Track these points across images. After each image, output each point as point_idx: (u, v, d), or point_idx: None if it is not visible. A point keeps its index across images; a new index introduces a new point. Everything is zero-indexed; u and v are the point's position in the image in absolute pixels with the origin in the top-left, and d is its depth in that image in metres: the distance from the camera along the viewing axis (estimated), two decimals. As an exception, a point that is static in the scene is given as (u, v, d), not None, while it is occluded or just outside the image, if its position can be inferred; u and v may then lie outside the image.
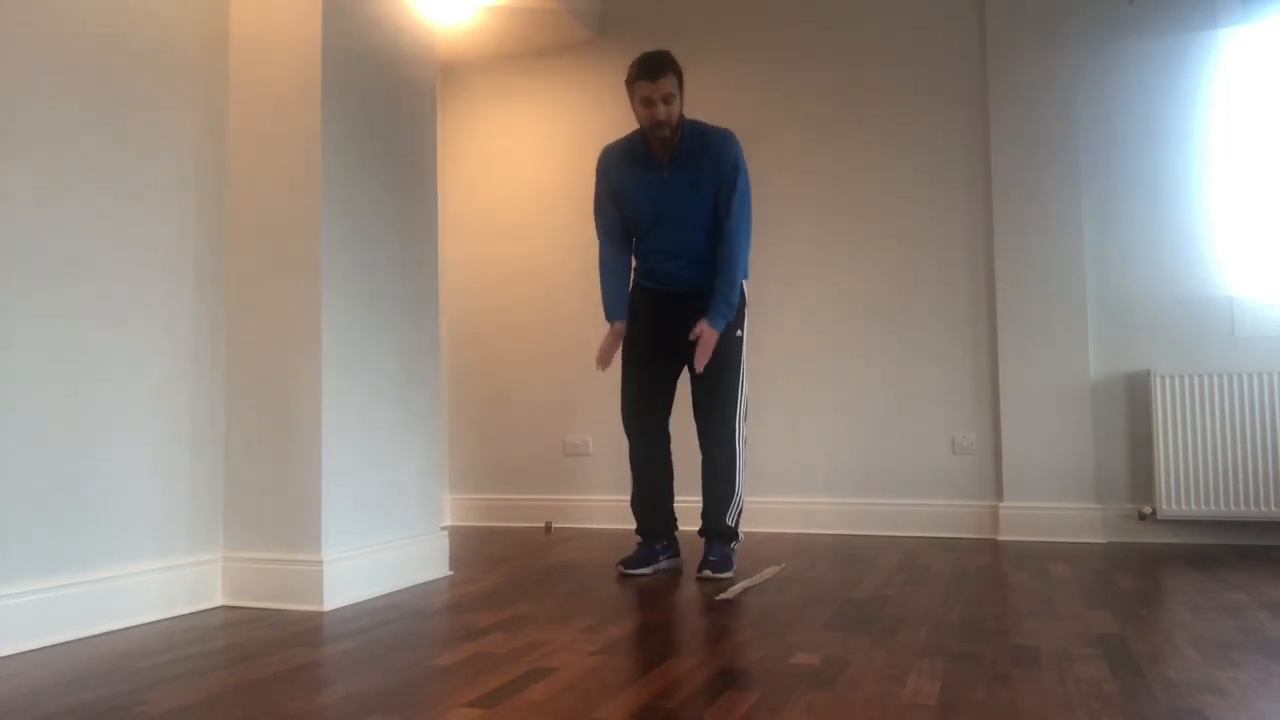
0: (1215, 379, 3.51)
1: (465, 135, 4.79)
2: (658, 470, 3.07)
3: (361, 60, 2.81)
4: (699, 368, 2.86)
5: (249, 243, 2.69)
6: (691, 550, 3.45)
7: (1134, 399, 3.69)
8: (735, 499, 2.98)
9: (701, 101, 4.31)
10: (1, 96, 2.12)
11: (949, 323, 3.92)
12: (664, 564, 3.06)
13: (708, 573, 2.88)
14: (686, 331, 2.96)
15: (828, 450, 4.05)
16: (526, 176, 4.64)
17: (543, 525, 4.41)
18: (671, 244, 2.98)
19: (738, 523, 3.00)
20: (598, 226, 3.12)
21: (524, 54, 4.69)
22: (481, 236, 4.71)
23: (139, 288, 2.44)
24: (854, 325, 4.05)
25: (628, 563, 3.01)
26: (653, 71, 2.80)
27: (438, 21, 4.21)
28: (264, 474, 2.62)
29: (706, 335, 2.87)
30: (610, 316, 3.08)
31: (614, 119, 4.46)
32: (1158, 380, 3.56)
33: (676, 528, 3.12)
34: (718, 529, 2.98)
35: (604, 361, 3.06)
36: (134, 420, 2.41)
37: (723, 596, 2.60)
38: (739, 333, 2.99)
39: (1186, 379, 3.54)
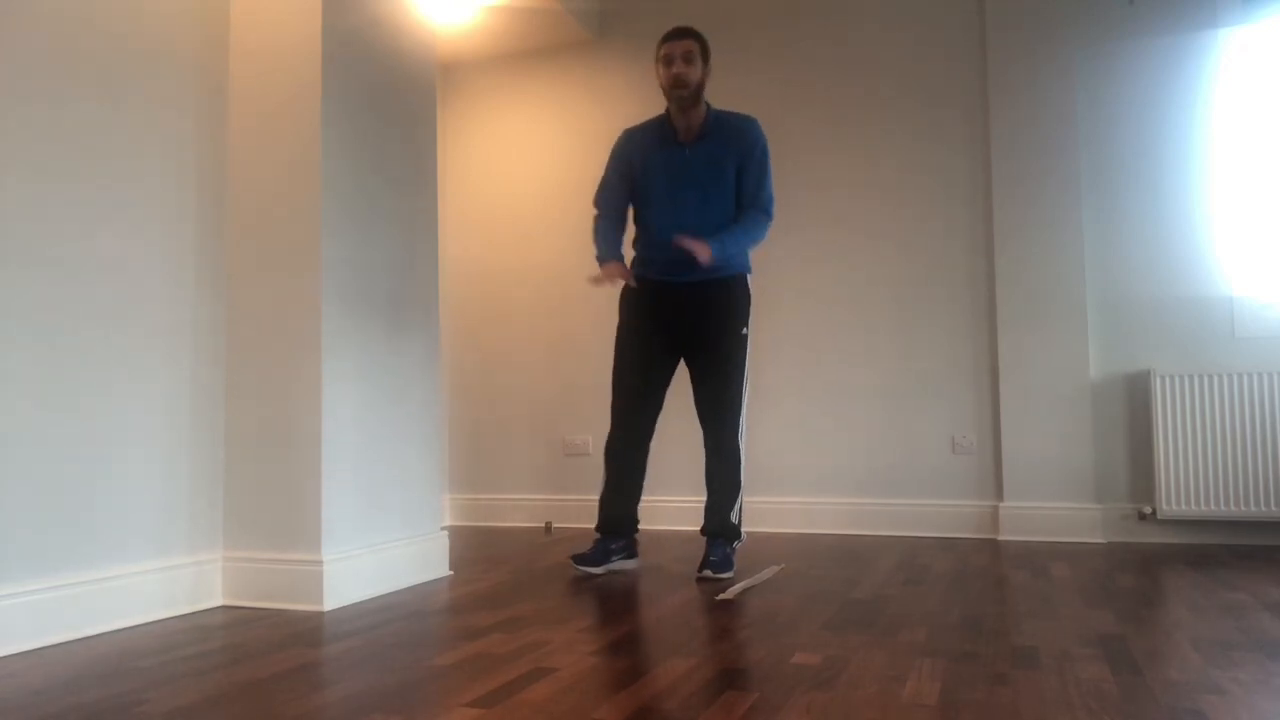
0: (1215, 379, 3.51)
1: (465, 135, 4.80)
2: (632, 472, 3.04)
3: (361, 60, 2.81)
4: (681, 242, 2.79)
5: (249, 242, 2.69)
6: (693, 550, 3.45)
7: (1134, 399, 3.69)
8: (739, 497, 2.99)
9: (701, 101, 4.31)
10: (1, 95, 2.12)
11: (949, 323, 3.92)
12: (616, 564, 3.04)
13: (708, 573, 2.88)
14: (687, 329, 2.96)
15: (828, 450, 4.05)
16: (526, 176, 4.64)
17: (543, 525, 4.41)
18: (686, 223, 2.93)
19: (740, 521, 3.01)
20: (598, 202, 3.10)
21: (524, 54, 4.69)
22: (481, 236, 4.71)
23: (139, 288, 2.44)
24: (854, 325, 4.05)
25: (581, 558, 2.98)
26: (674, 33, 2.92)
27: (438, 21, 4.21)
28: (264, 474, 2.62)
29: (701, 245, 2.79)
30: (605, 258, 3.01)
31: (614, 119, 4.46)
32: (1158, 380, 3.56)
33: (637, 530, 3.10)
34: (722, 527, 2.97)
35: (598, 279, 2.96)
36: (134, 420, 2.41)
37: (723, 596, 2.59)
38: (744, 330, 2.99)
39: (1186, 379, 3.54)
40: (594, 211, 3.14)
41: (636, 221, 3.09)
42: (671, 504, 4.21)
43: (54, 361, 2.21)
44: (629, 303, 3.07)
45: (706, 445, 2.99)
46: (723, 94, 4.28)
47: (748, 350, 3.01)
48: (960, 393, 3.89)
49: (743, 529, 3.02)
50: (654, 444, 3.04)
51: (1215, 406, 3.50)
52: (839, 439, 4.04)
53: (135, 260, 2.43)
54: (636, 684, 1.74)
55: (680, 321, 2.98)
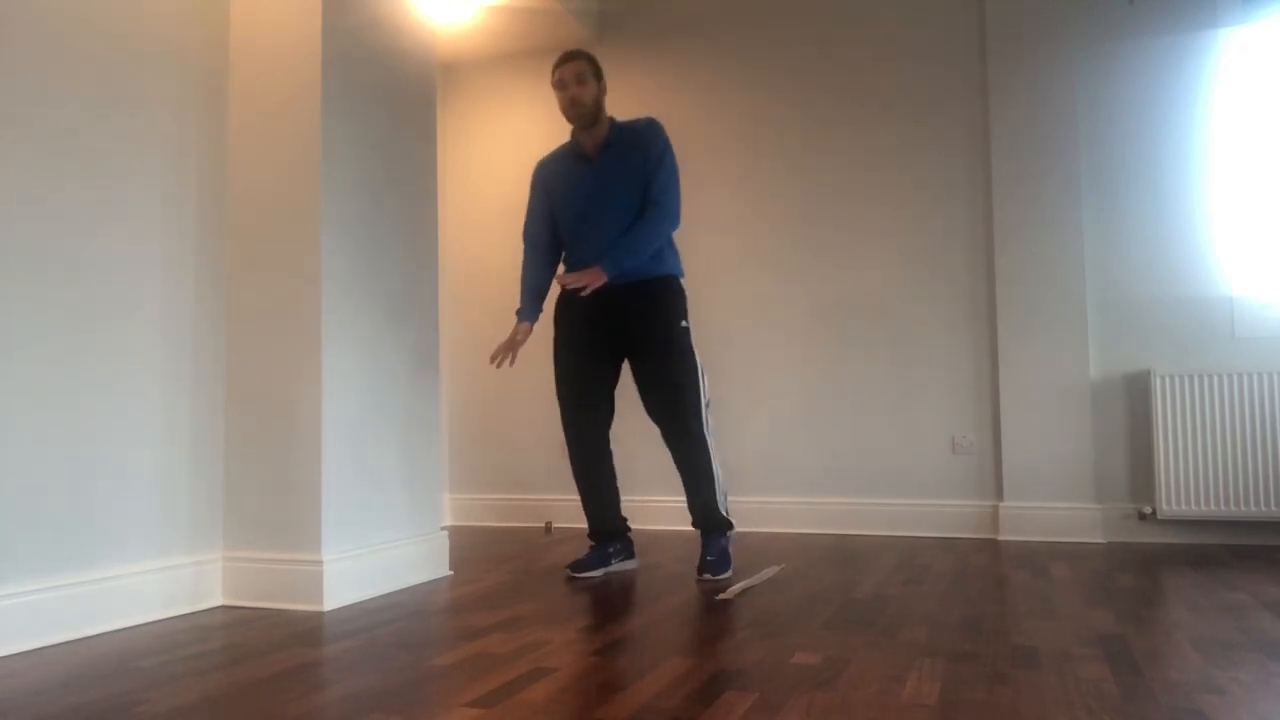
0: (1215, 379, 3.51)
1: (465, 135, 4.79)
2: (604, 478, 3.03)
3: (361, 60, 2.81)
4: (565, 283, 2.80)
5: (249, 242, 2.69)
6: (692, 549, 3.45)
7: (1134, 399, 3.69)
8: (718, 484, 2.93)
9: (698, 102, 4.32)
10: (1, 96, 2.12)
11: (949, 323, 3.92)
12: (616, 566, 3.05)
13: (708, 576, 2.86)
14: (622, 334, 2.94)
15: (828, 450, 4.05)
16: (526, 176, 4.63)
17: (543, 525, 4.41)
18: (605, 237, 2.92)
19: (728, 511, 2.97)
20: (525, 238, 3.12)
21: (524, 54, 4.70)
22: (481, 236, 4.71)
23: (138, 288, 2.44)
24: (855, 325, 4.05)
25: (577, 566, 2.97)
26: (563, 58, 2.97)
27: (438, 21, 4.21)
28: (264, 474, 2.62)
29: (590, 273, 2.81)
30: (523, 316, 3.06)
31: (614, 119, 4.46)
32: (1158, 380, 3.56)
33: (629, 529, 3.11)
34: (710, 520, 2.94)
35: (501, 355, 2.97)
36: (134, 420, 2.41)
37: (722, 596, 2.59)
38: (684, 323, 2.93)
39: (1186, 379, 3.54)
40: (523, 246, 3.15)
41: (564, 243, 3.07)
42: (669, 504, 4.21)
43: (54, 361, 2.21)
44: (563, 315, 3.04)
45: (670, 444, 2.92)
46: (719, 94, 4.29)
47: (692, 343, 2.93)
48: (960, 393, 3.89)
49: (732, 519, 3.00)
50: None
51: (1215, 406, 3.50)
52: (839, 439, 4.04)
53: (135, 260, 2.43)
54: (636, 684, 1.74)
55: (615, 328, 2.95)
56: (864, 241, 4.06)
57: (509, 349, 3.00)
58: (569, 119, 2.98)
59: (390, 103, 2.93)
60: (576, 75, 2.93)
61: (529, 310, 3.08)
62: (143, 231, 2.46)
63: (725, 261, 4.25)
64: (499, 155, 4.71)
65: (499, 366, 2.99)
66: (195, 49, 2.64)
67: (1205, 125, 3.67)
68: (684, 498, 4.19)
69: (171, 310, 2.53)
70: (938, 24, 4.02)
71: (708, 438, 2.92)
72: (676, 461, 2.94)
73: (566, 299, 3.03)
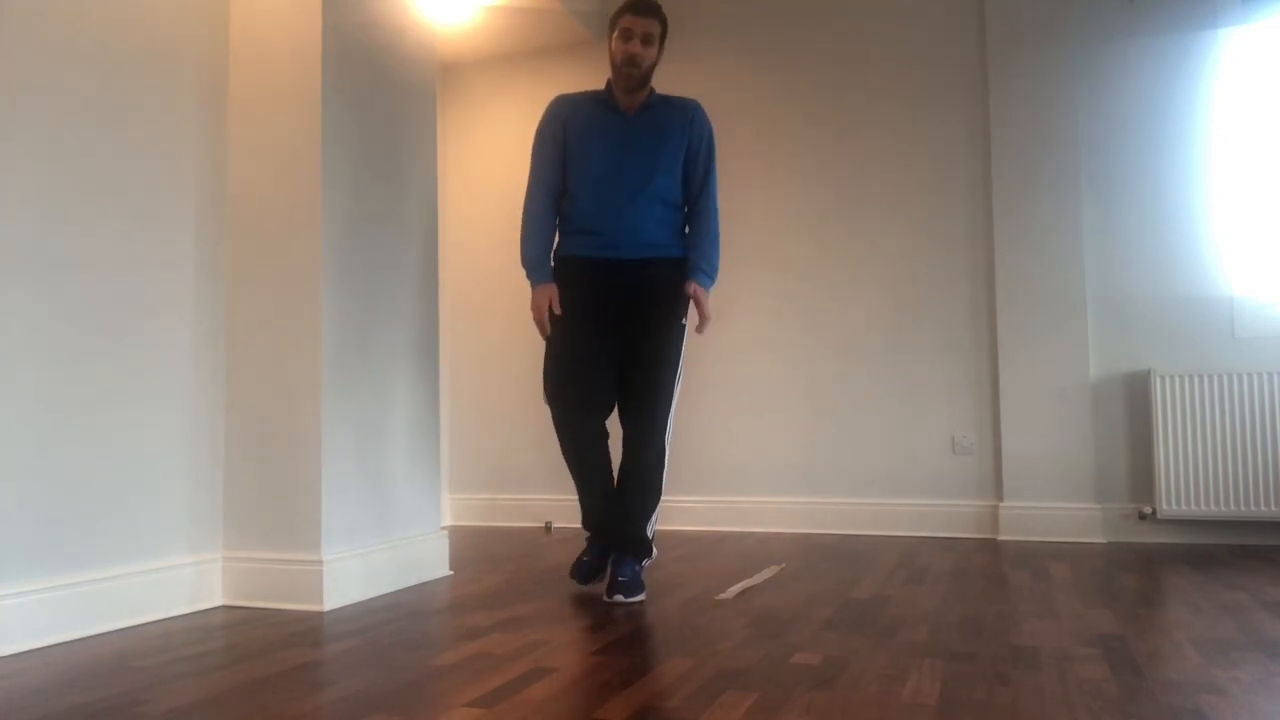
0: (1215, 379, 3.51)
1: (465, 135, 4.80)
2: (602, 470, 2.75)
3: (361, 60, 2.81)
4: (703, 330, 2.67)
5: (249, 243, 2.69)
6: (694, 549, 3.45)
7: (1134, 399, 3.69)
8: (658, 506, 2.69)
9: (700, 99, 4.31)
10: (1, 96, 2.12)
11: (949, 322, 3.92)
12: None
13: (619, 597, 2.53)
14: (622, 312, 2.67)
15: (829, 450, 4.05)
16: (525, 176, 4.63)
17: (543, 525, 4.41)
18: (619, 199, 2.66)
19: (654, 535, 2.71)
20: (534, 176, 2.77)
21: (524, 54, 4.69)
22: (480, 236, 4.71)
23: (139, 288, 2.44)
24: (854, 325, 4.05)
25: (581, 574, 2.77)
26: (640, 8, 2.68)
27: (438, 21, 4.21)
28: (264, 474, 2.62)
29: (701, 294, 2.66)
30: (542, 278, 2.70)
31: (614, 119, 4.45)
32: (1158, 380, 3.56)
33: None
34: (634, 541, 2.64)
35: (547, 327, 2.70)
36: (134, 421, 2.41)
37: (722, 596, 2.59)
38: (684, 320, 2.70)
39: (1186, 379, 3.54)
40: (534, 193, 2.78)
41: (568, 193, 2.74)
42: (670, 504, 4.21)
43: (54, 362, 2.21)
44: (562, 287, 2.71)
45: (627, 441, 2.65)
46: (719, 91, 4.29)
47: (684, 343, 2.70)
48: (960, 393, 3.89)
49: (655, 546, 2.73)
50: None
51: (1215, 406, 3.50)
52: (839, 439, 4.04)
53: (135, 261, 2.43)
54: (636, 684, 1.74)
55: (617, 304, 2.67)
56: (863, 241, 4.06)
57: (546, 305, 2.69)
58: (616, 74, 2.69)
59: (390, 103, 2.93)
60: (646, 35, 2.66)
61: (546, 269, 2.73)
62: (143, 232, 2.45)
63: (724, 261, 4.25)
64: (499, 155, 4.71)
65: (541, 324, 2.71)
66: (195, 49, 2.64)
67: (1205, 125, 3.67)
68: (690, 497, 4.20)
69: (171, 310, 2.53)
70: (937, 25, 4.02)
71: (667, 451, 2.68)
72: (625, 467, 2.66)
73: (570, 269, 2.73)
